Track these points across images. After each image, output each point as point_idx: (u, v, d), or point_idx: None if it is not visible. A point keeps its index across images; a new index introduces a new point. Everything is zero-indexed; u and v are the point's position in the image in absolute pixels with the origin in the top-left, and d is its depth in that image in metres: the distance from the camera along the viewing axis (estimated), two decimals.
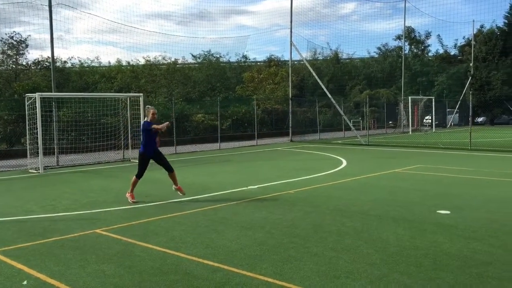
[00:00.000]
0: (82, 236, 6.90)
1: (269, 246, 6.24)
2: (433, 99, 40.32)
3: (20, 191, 11.35)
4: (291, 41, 28.88)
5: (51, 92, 17.40)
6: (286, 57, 52.05)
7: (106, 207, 8.96)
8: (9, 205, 9.43)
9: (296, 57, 33.34)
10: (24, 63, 31.67)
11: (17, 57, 31.00)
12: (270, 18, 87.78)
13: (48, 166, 15.82)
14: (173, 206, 8.96)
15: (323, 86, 28.55)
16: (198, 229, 7.19)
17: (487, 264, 5.41)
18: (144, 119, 10.03)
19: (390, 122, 40.88)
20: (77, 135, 20.27)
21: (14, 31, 31.26)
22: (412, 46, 54.83)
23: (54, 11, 17.34)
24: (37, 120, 14.87)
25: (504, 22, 48.37)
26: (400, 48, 51.22)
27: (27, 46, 30.64)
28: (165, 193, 10.19)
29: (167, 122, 9.89)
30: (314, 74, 29.48)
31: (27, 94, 16.14)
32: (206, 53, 43.37)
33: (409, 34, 52.62)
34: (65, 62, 35.84)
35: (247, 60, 47.78)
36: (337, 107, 29.44)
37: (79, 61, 38.96)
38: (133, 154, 18.14)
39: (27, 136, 15.95)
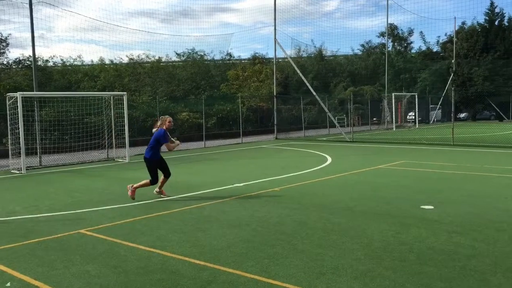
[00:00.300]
0: (66, 236, 6.84)
1: (255, 243, 6.25)
2: (416, 96, 40.76)
3: (2, 192, 11.19)
4: (275, 38, 28.92)
5: (33, 91, 17.15)
6: (271, 54, 52.10)
7: (91, 207, 8.88)
8: None
9: (280, 54, 33.43)
10: (5, 62, 31.22)
11: None
12: (254, 15, 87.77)
13: (31, 167, 15.61)
14: (159, 205, 8.93)
15: (307, 84, 28.65)
16: (184, 227, 7.17)
17: (470, 258, 5.49)
18: (154, 128, 9.77)
19: (374, 118, 41.20)
20: (60, 135, 20.03)
21: None
22: (395, 43, 55.29)
23: (35, 9, 17.09)
24: (19, 120, 14.66)
25: (485, 19, 49.07)
26: (383, 45, 51.62)
27: (7, 45, 30.22)
28: (150, 193, 10.13)
29: (179, 142, 9.98)
30: (298, 71, 29.57)
31: (8, 94, 15.91)
32: (190, 51, 43.18)
33: (392, 31, 53.04)
34: (47, 61, 35.38)
35: (232, 58, 47.68)
36: (322, 104, 29.55)
37: (61, 59, 38.46)
38: (118, 153, 18.02)
39: (9, 137, 15.74)
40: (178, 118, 28.39)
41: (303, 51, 53.66)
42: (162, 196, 9.66)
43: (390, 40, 53.56)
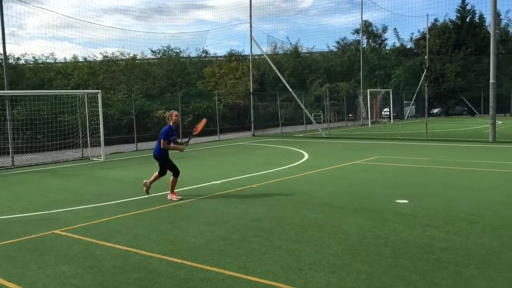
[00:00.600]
0: (41, 237, 6.71)
1: (233, 240, 6.25)
2: (391, 92, 41.33)
3: None
4: (251, 35, 28.90)
5: (4, 90, 16.78)
6: (247, 51, 52.09)
7: (65, 207, 8.74)
8: None
9: (256, 51, 33.40)
10: None
11: None
12: (229, 12, 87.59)
13: (3, 167, 15.28)
14: (135, 204, 8.84)
15: (283, 80, 28.74)
16: (161, 226, 7.12)
17: (444, 250, 5.61)
18: (169, 121, 9.23)
19: (350, 114, 41.61)
20: (33, 134, 19.63)
21: None
22: (370, 40, 55.95)
23: (5, 6, 16.72)
24: None
25: (457, 16, 50.03)
26: (358, 42, 52.13)
27: None
28: (126, 191, 10.04)
29: (182, 147, 9.55)
30: (274, 68, 29.62)
31: None
32: (165, 49, 42.84)
33: (366, 28, 53.65)
34: (18, 58, 34.66)
35: (208, 55, 47.49)
36: (298, 100, 29.71)
37: (33, 57, 37.68)
38: (93, 152, 17.77)
39: None
40: (154, 116, 28.15)
41: (279, 48, 53.84)
42: (145, 191, 9.36)
43: (365, 37, 54.20)
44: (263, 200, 8.81)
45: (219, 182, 11.06)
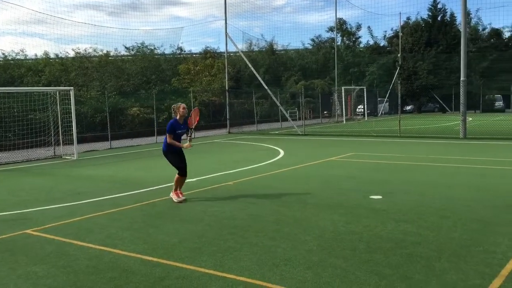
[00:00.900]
0: (12, 237, 6.57)
1: (209, 238, 6.24)
2: (365, 89, 41.80)
3: None
4: (226, 32, 28.82)
5: None
6: (222, 48, 51.77)
7: (37, 206, 8.57)
8: None
9: (232, 48, 33.38)
10: None
11: None
12: (204, 9, 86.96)
13: None
14: (108, 203, 8.72)
15: (259, 78, 28.76)
16: (135, 224, 7.05)
17: (416, 245, 5.71)
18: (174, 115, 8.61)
19: (325, 112, 41.93)
20: (2, 132, 19.15)
21: None
22: (344, 38, 56.41)
23: None
24: None
25: (428, 15, 50.88)
26: (332, 39, 52.53)
27: None
28: (99, 190, 9.91)
29: (185, 145, 8.58)
30: (250, 65, 29.63)
31: None
32: (139, 45, 42.30)
33: (341, 26, 54.09)
34: None
35: (183, 52, 47.13)
36: (274, 98, 29.77)
37: (3, 53, 36.71)
38: (65, 150, 17.47)
39: None
40: (129, 113, 27.83)
41: (255, 45, 53.86)
42: (178, 198, 8.53)
43: (339, 34, 54.66)
44: (239, 198, 8.80)
45: (194, 180, 11.01)
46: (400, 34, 46.84)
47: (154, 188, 10.16)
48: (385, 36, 55.39)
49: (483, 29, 50.41)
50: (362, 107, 42.54)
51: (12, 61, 37.35)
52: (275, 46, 54.21)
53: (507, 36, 49.73)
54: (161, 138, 23.47)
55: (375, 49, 53.82)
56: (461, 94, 20.81)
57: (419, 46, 48.61)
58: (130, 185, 10.45)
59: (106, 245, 6.04)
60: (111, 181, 11.25)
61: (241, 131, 28.73)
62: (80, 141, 19.35)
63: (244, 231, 6.50)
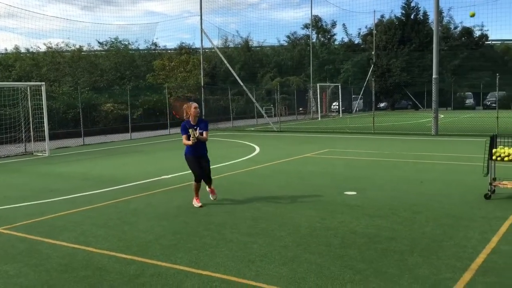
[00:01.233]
0: None
1: (184, 235, 6.21)
2: (340, 86, 42.18)
3: None
4: (201, 28, 28.65)
5: None
6: (198, 44, 51.44)
7: (8, 204, 8.38)
8: None
9: (207, 44, 33.24)
10: None
11: None
12: (180, 4, 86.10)
13: None
14: (82, 200, 8.59)
15: (234, 74, 28.71)
16: (110, 222, 6.96)
17: (390, 240, 5.80)
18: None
19: (301, 108, 42.16)
20: None
21: None
22: (319, 35, 56.77)
23: None
24: None
25: (402, 13, 51.62)
26: (308, 36, 52.83)
27: None
28: (72, 187, 9.74)
29: (190, 142, 7.80)
30: (225, 61, 29.54)
31: None
32: (113, 40, 41.70)
33: (316, 23, 54.41)
34: None
35: (157, 48, 46.68)
36: (249, 94, 29.78)
37: None
38: (36, 147, 17.11)
39: None
40: (102, 109, 27.42)
41: (230, 42, 53.77)
42: (197, 204, 7.89)
43: (314, 32, 54.97)
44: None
45: (169, 176, 10.93)
46: (374, 32, 47.39)
47: (129, 185, 10.04)
48: (359, 33, 55.98)
49: (455, 28, 51.53)
50: (337, 104, 42.93)
51: None
52: (250, 43, 54.29)
53: (477, 35, 50.88)
54: (135, 135, 23.25)
55: (349, 47, 54.31)
56: (433, 91, 21.19)
57: (393, 44, 49.28)
58: (104, 182, 10.31)
59: (79, 243, 5.95)
60: (85, 178, 11.07)
61: (216, 127, 28.65)
62: (52, 137, 18.97)
63: (220, 228, 6.49)
